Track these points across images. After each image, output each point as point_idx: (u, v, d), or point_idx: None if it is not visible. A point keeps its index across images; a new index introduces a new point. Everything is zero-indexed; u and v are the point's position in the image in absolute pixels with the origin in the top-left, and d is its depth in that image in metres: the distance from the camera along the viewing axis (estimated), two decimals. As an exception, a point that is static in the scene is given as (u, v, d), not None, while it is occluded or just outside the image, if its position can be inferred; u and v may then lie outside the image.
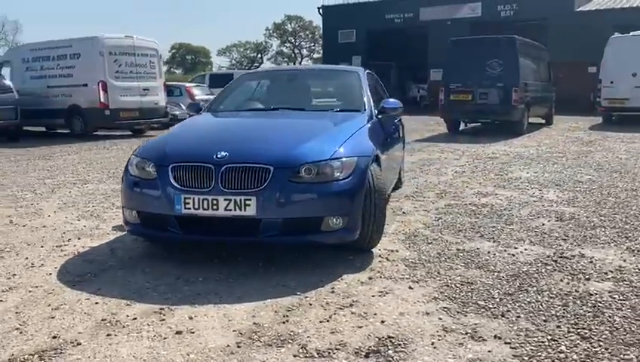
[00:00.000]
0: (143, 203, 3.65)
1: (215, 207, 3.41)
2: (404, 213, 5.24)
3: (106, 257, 3.87)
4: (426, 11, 26.10)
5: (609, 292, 3.21)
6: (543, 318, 2.84)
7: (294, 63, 62.95)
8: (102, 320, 2.84)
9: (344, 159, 3.59)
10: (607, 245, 4.13)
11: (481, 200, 5.80)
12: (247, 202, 3.37)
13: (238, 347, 2.54)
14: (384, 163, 4.44)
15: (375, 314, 2.89)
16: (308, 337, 2.63)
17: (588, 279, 3.43)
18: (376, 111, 4.71)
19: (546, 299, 3.10)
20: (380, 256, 3.88)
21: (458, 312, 2.91)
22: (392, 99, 4.87)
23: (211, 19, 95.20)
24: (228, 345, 2.56)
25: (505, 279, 3.42)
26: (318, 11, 29.17)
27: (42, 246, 4.13)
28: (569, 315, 2.87)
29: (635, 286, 3.29)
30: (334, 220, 3.50)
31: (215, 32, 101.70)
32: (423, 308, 2.98)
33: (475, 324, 2.77)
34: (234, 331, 2.71)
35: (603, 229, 4.56)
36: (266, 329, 2.72)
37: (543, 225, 4.75)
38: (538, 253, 3.94)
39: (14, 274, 3.53)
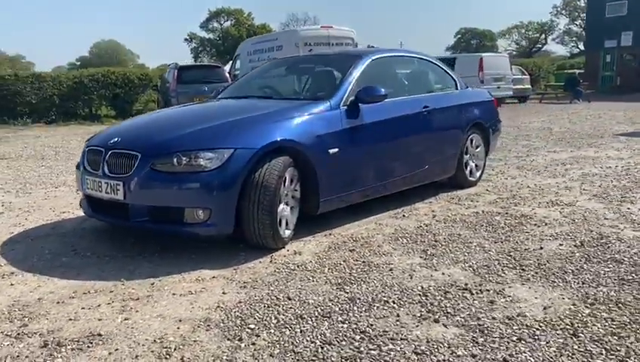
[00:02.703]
0: (78, 182, 4.11)
1: (100, 190, 3.67)
2: (403, 216, 4.64)
3: (71, 225, 4.47)
4: None
5: (426, 341, 2.47)
6: (281, 357, 2.38)
7: (584, 43, 56.61)
8: (-40, 275, 3.39)
9: (218, 149, 3.45)
10: (569, 284, 3.05)
11: (535, 210, 4.73)
12: (118, 187, 3.54)
13: (-11, 315, 2.80)
14: (346, 157, 4.06)
15: (137, 312, 2.82)
16: (37, 319, 2.73)
17: (436, 321, 2.66)
18: (349, 100, 4.24)
19: (326, 335, 2.54)
20: (271, 256, 3.62)
21: (206, 330, 2.63)
22: (383, 88, 4.31)
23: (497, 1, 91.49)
24: (-15, 312, 2.83)
25: (331, 301, 2.88)
26: (584, -17, 25.71)
27: (54, 211, 4.95)
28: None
29: (477, 342, 2.44)
30: (196, 212, 3.42)
31: (501, 13, 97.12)
32: (187, 314, 2.77)
33: (195, 341, 2.49)
34: (14, 301, 2.97)
35: (613, 264, 3.35)
36: (34, 306, 2.90)
37: (541, 248, 3.71)
38: (443, 280, 3.16)
39: (-6, 229, 4.36)
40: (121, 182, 3.51)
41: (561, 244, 3.77)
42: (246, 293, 3.01)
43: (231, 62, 18.16)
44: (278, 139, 3.65)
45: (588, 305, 2.78)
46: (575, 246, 3.73)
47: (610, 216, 4.47)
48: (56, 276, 3.33)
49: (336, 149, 4.00)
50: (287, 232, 3.80)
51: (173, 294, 3.02)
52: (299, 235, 4.03)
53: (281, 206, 3.69)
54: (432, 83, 5.44)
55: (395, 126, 4.59)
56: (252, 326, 2.61)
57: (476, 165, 5.78)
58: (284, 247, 3.76)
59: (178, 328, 2.61)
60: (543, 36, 69.09)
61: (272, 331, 2.55)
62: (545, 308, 2.76)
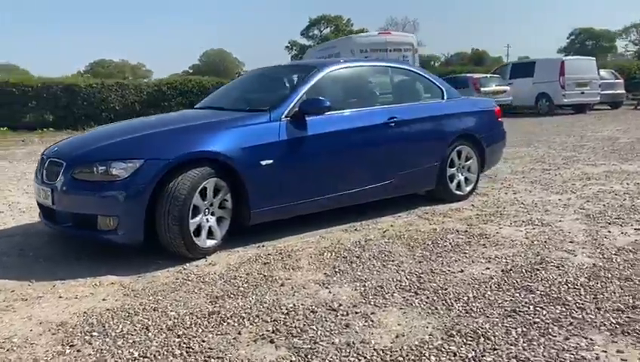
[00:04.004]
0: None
1: (39, 196, 3.96)
2: (356, 229, 4.55)
3: (42, 227, 4.79)
4: None
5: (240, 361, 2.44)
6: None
7: None
8: None
9: (129, 160, 3.59)
10: (449, 313, 2.87)
11: (501, 230, 4.45)
12: (48, 193, 3.80)
13: None
14: (283, 169, 4.08)
15: (14, 312, 3.01)
16: None
17: (272, 341, 2.62)
18: (293, 112, 4.24)
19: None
20: (184, 266, 3.71)
21: (52, 334, 2.77)
22: (328, 100, 4.26)
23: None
24: None
25: (191, 314, 2.92)
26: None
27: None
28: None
29: None
30: (107, 220, 3.59)
31: (621, 12, 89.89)
32: (53, 318, 2.92)
33: (33, 344, 2.63)
34: None
35: (520, 294, 3.10)
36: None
37: (461, 271, 3.50)
38: (322, 299, 3.08)
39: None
40: (50, 188, 3.76)
41: (488, 268, 3.52)
42: (123, 301, 3.11)
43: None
44: (195, 150, 3.71)
45: (445, 336, 2.59)
46: (502, 271, 3.46)
47: (579, 239, 4.09)
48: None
49: (270, 161, 4.00)
50: (211, 242, 3.85)
51: (60, 297, 3.19)
52: (234, 245, 4.08)
53: (199, 216, 3.75)
54: (409, 93, 5.26)
55: (349, 138, 4.49)
56: (95, 333, 2.70)
57: (466, 178, 5.49)
58: (204, 257, 3.82)
59: (31, 330, 2.76)
60: (666, 35, 63.13)
61: (107, 340, 2.63)
62: (397, 336, 2.61)
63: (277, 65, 5.35)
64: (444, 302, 2.99)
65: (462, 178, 5.43)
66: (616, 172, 6.87)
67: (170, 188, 3.58)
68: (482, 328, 2.66)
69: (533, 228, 4.41)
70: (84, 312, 2.96)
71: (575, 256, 3.72)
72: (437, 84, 5.43)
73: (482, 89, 17.51)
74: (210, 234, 3.88)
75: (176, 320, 2.83)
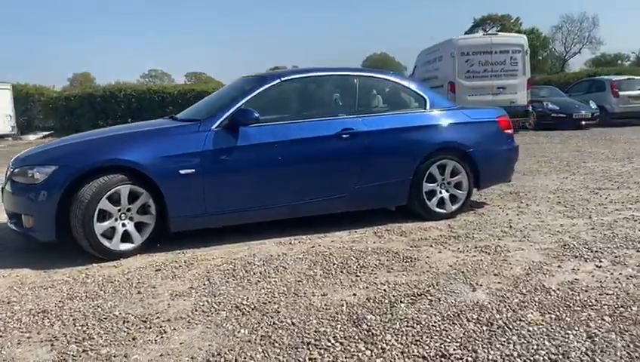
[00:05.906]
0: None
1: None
2: (290, 243, 4.48)
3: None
4: None
5: None
6: None
7: None
8: None
9: (46, 165, 3.97)
10: (226, 333, 2.79)
11: (439, 254, 4.09)
12: (1, 193, 4.37)
13: None
14: (206, 178, 4.18)
15: None
16: None
17: (57, 349, 2.78)
18: (224, 123, 4.34)
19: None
20: (90, 266, 3.98)
21: None
22: (254, 112, 4.28)
23: None
24: None
25: (28, 313, 3.18)
26: None
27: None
28: None
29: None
30: (28, 219, 4.02)
31: None
32: None
33: None
34: None
35: (320, 321, 2.90)
36: None
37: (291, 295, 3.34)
38: (146, 312, 3.15)
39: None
40: (1, 189, 4.29)
41: (355, 295, 3.28)
42: (-1, 293, 3.46)
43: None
44: (105, 158, 3.97)
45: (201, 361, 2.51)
46: (366, 299, 3.20)
47: (511, 272, 3.61)
48: None
49: (191, 170, 4.12)
50: (127, 246, 4.07)
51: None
52: (161, 249, 4.26)
53: (111, 220, 3.99)
54: (379, 103, 4.97)
55: (288, 149, 4.41)
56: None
57: (452, 195, 5.05)
58: (119, 259, 4.05)
59: None
60: None
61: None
62: (161, 355, 2.60)
63: (244, 76, 5.39)
64: (256, 325, 2.86)
65: (445, 195, 5.00)
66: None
67: (79, 193, 3.86)
68: (251, 358, 2.52)
69: (474, 256, 3.94)
70: (-50, 303, 3.33)
71: (474, 291, 3.28)
72: (419, 93, 5.05)
73: (621, 93, 15.54)
74: (129, 238, 4.08)
75: (7, 315, 3.07)
